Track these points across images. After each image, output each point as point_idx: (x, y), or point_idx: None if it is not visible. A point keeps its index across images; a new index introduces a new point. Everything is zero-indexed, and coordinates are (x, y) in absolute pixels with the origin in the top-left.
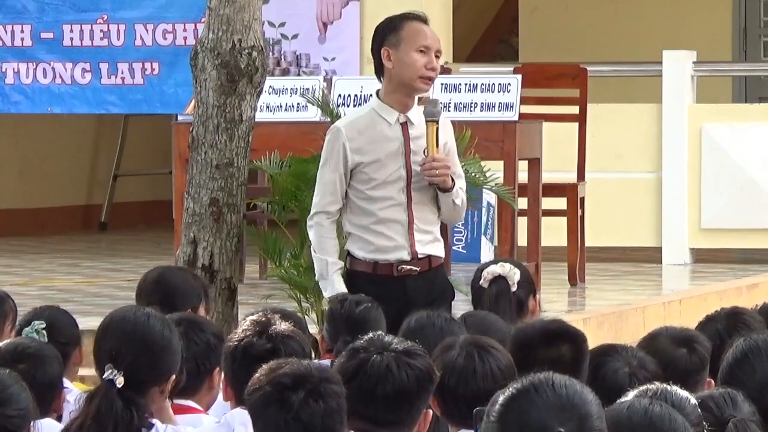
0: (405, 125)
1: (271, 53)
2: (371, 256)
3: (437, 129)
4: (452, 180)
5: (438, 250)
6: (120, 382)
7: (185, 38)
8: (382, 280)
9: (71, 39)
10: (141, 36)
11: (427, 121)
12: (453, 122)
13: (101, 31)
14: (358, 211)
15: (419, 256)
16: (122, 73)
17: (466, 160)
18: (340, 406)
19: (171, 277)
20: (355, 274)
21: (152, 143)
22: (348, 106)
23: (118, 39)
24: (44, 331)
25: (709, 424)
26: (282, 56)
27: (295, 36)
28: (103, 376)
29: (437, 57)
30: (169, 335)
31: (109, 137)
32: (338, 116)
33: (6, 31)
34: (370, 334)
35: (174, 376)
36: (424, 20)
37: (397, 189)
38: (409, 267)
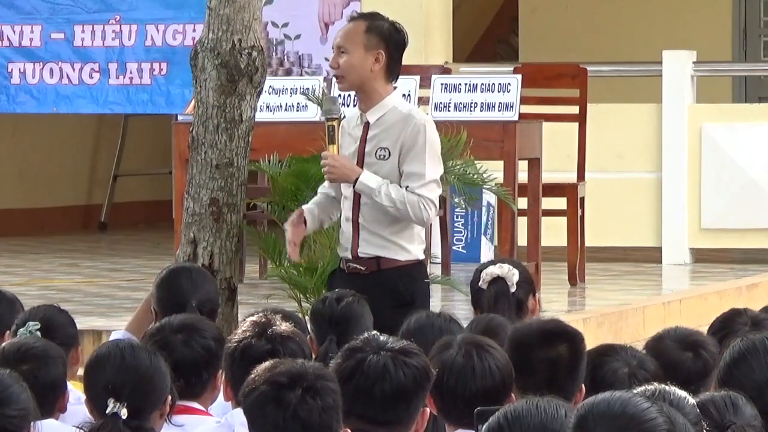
0: (367, 125)
1: (274, 53)
2: (338, 251)
3: (332, 127)
4: (357, 176)
5: (390, 252)
6: (124, 413)
7: (193, 39)
8: (342, 274)
9: (82, 39)
10: (152, 36)
11: (325, 119)
12: (451, 122)
13: (113, 31)
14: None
15: (360, 255)
16: (130, 73)
17: (463, 161)
18: (336, 403)
19: (206, 278)
20: (338, 267)
21: (152, 143)
22: (347, 105)
23: (130, 39)
24: (38, 332)
25: (707, 425)
26: (285, 56)
27: (297, 36)
28: (107, 411)
29: (342, 52)
30: (156, 360)
31: (109, 137)
32: None
33: (14, 32)
34: (366, 334)
35: (169, 398)
36: (355, 17)
37: (350, 188)
38: (354, 265)
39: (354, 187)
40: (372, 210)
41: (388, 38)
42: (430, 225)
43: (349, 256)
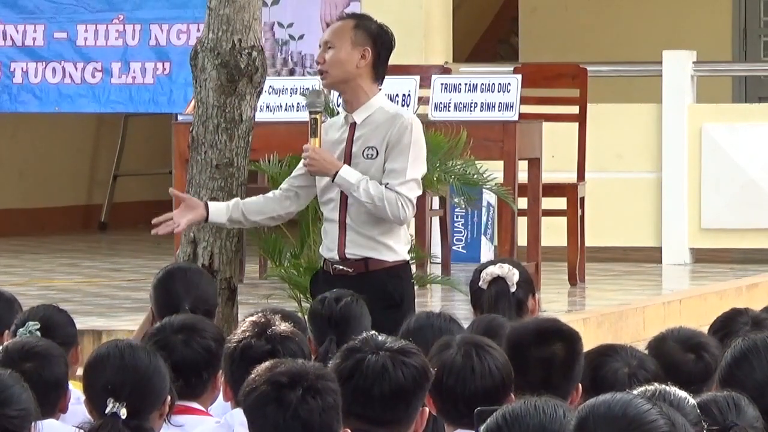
0: (353, 126)
1: (279, 53)
2: (321, 252)
3: (315, 120)
4: (337, 170)
5: (378, 253)
6: (123, 413)
7: (198, 38)
8: (326, 276)
9: (85, 39)
10: (155, 36)
11: (309, 112)
12: (451, 122)
13: (117, 31)
14: (321, 211)
15: (347, 256)
16: (134, 72)
17: (463, 161)
18: (336, 403)
19: (202, 278)
20: (320, 269)
21: (152, 143)
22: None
23: (133, 39)
24: (38, 332)
25: (709, 426)
26: (289, 56)
27: (301, 36)
28: (106, 411)
29: (329, 48)
30: (156, 360)
31: (109, 137)
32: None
33: (17, 31)
34: (364, 334)
35: (169, 398)
36: (344, 16)
37: (335, 190)
38: (341, 267)
39: (333, 180)
40: (361, 211)
41: (376, 37)
42: (430, 225)
43: (336, 258)
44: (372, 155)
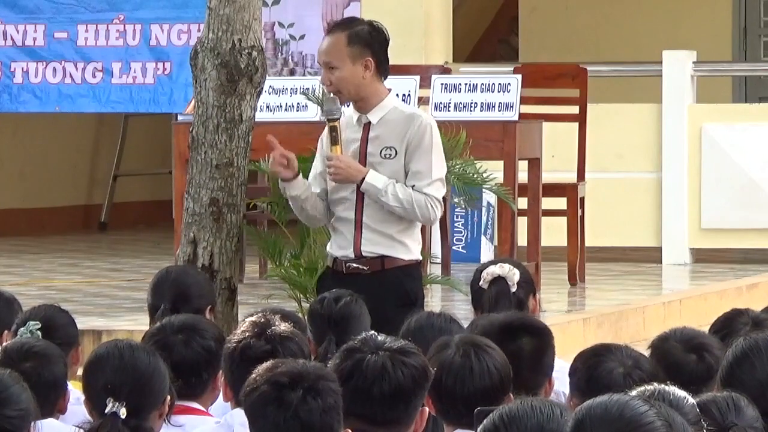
0: (368, 126)
1: (280, 53)
2: (332, 251)
3: (334, 128)
4: (364, 176)
5: (395, 251)
6: (123, 413)
7: (198, 38)
8: (337, 275)
9: (85, 39)
10: (156, 36)
11: (327, 120)
12: (450, 122)
13: (117, 31)
14: (332, 209)
15: (364, 254)
16: (134, 72)
17: (463, 161)
18: (337, 403)
19: (187, 277)
20: (327, 268)
21: (152, 143)
22: (348, 105)
23: (134, 39)
24: (39, 332)
25: (709, 426)
26: (290, 57)
27: (302, 37)
28: (106, 411)
29: (331, 68)
30: (155, 360)
31: (109, 137)
32: None
33: (18, 31)
34: (363, 334)
35: (168, 398)
36: (332, 30)
37: (350, 189)
38: (356, 265)
39: (360, 187)
40: (378, 209)
41: (371, 42)
42: (430, 225)
43: (351, 256)
44: (390, 155)
